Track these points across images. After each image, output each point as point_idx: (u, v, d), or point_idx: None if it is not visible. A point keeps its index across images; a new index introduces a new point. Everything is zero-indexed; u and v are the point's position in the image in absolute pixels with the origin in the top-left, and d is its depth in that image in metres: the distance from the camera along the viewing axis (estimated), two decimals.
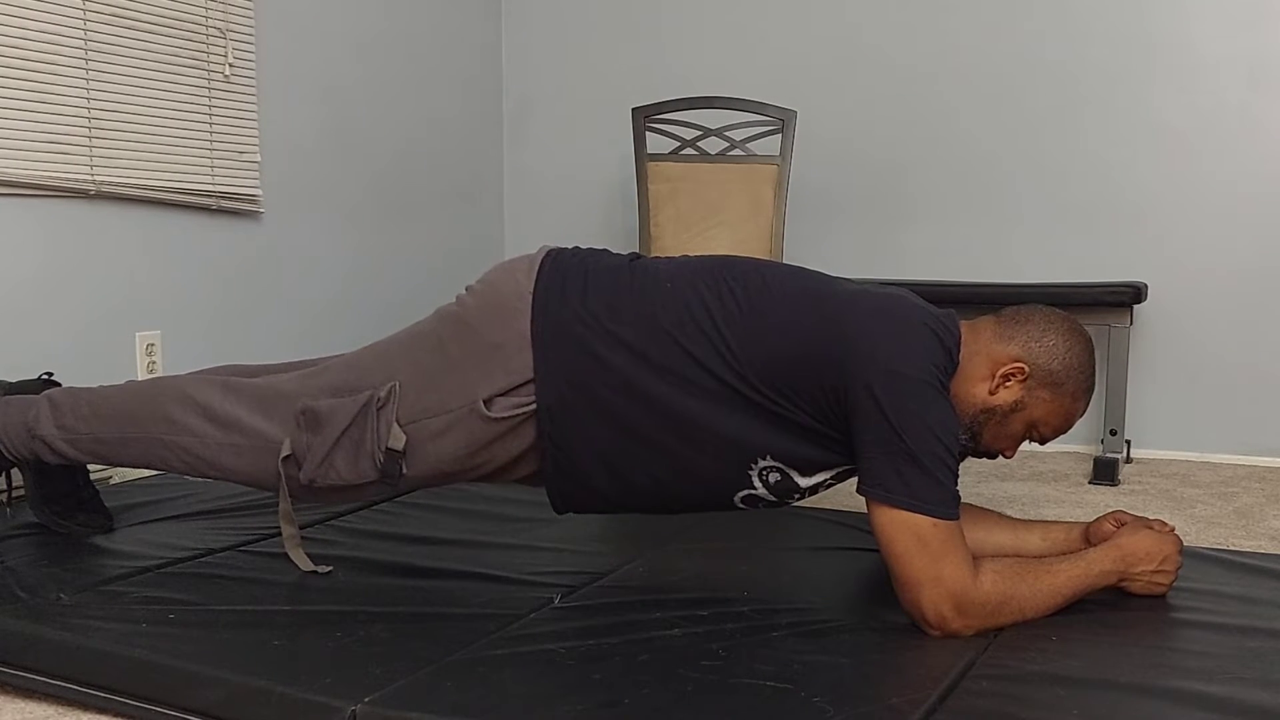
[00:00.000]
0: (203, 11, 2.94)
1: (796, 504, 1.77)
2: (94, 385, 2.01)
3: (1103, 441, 3.18)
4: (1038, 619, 1.60)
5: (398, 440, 1.68)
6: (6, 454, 1.96)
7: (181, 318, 2.96)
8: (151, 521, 2.14)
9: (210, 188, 3.00)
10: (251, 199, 3.13)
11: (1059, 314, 1.73)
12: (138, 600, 1.70)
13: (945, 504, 1.55)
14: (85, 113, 2.66)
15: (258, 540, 2.02)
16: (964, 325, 1.71)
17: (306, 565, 1.85)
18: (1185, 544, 2.25)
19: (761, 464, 1.66)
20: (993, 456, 1.76)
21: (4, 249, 2.55)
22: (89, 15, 2.66)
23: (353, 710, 1.34)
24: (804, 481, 1.69)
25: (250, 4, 3.08)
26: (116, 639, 1.55)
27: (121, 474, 2.58)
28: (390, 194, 3.68)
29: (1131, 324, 3.16)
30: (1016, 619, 1.59)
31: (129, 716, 1.49)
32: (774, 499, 1.72)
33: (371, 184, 3.59)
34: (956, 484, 1.59)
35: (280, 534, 1.86)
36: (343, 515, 2.22)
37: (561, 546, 2.04)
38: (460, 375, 1.69)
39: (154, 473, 2.59)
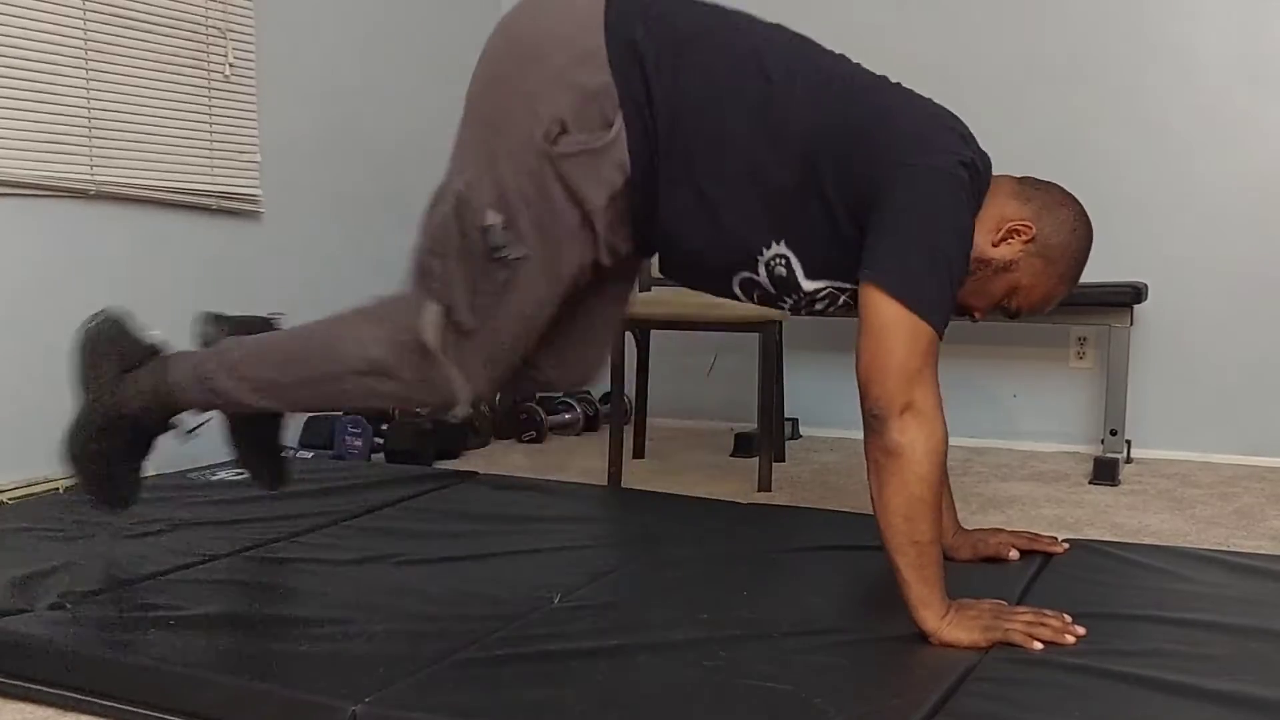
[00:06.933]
0: (203, 11, 2.94)
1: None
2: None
3: (1103, 441, 3.18)
4: (888, 542, 1.54)
5: (493, 219, 1.73)
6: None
7: (181, 318, 2.95)
8: (151, 523, 2.14)
9: (210, 188, 2.99)
10: (251, 199, 3.13)
11: (1076, 199, 1.72)
12: (138, 607, 1.69)
13: (942, 314, 1.55)
14: (85, 113, 2.66)
15: (257, 546, 2.02)
16: None
17: None
18: (1185, 544, 2.26)
19: (770, 252, 1.67)
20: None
21: (4, 249, 2.55)
22: (89, 15, 2.66)
23: (353, 710, 1.34)
24: (806, 285, 1.70)
25: (250, 4, 3.08)
26: (117, 646, 1.54)
27: None
28: (390, 194, 3.67)
29: (1131, 324, 3.15)
30: (904, 502, 1.51)
31: None
32: (772, 292, 1.72)
33: (371, 184, 3.58)
34: (953, 302, 1.59)
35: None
36: (344, 520, 2.22)
37: (561, 546, 2.04)
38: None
39: (154, 473, 2.60)
